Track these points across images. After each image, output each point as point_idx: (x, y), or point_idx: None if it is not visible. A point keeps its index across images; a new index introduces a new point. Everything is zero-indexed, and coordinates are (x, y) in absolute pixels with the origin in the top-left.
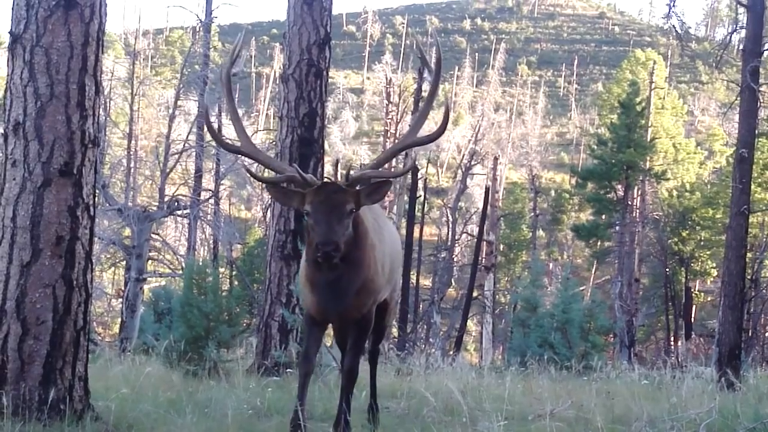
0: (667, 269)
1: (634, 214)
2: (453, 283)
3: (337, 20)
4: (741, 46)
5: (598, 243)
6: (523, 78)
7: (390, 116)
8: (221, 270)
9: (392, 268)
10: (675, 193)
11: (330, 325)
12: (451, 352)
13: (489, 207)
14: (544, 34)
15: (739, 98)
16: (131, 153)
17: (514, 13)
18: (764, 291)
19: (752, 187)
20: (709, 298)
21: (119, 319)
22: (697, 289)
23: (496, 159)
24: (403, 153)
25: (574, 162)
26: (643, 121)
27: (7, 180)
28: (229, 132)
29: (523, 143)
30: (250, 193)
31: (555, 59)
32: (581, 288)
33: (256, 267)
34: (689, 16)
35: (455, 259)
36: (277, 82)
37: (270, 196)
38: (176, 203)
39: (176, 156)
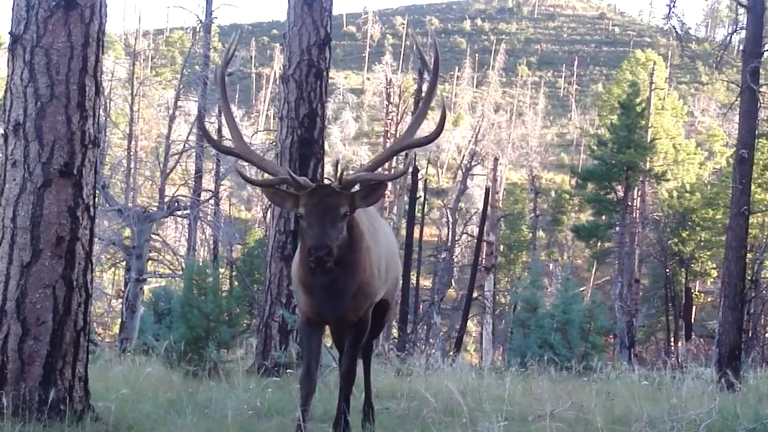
0: (667, 270)
1: (634, 215)
2: (453, 284)
3: (338, 21)
4: (741, 47)
5: (598, 244)
6: (523, 78)
7: (390, 117)
8: (221, 270)
9: (389, 269)
10: (675, 193)
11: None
12: (451, 353)
13: (489, 207)
14: (544, 34)
15: (739, 99)
16: (131, 153)
17: (514, 14)
18: (764, 292)
19: (752, 187)
20: (709, 299)
21: (119, 320)
22: (697, 289)
23: (496, 160)
24: (403, 154)
25: (574, 163)
26: (643, 122)
27: (7, 180)
28: (228, 133)
29: (523, 144)
30: (250, 194)
31: (555, 60)
32: (581, 289)
33: (256, 267)
34: (689, 16)
35: (455, 260)
36: (278, 82)
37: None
38: (176, 204)
39: (176, 156)
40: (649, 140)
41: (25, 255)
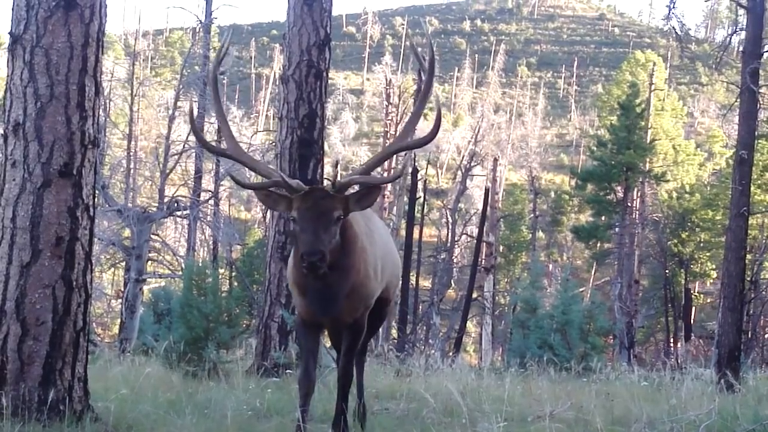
0: (667, 271)
1: (633, 216)
2: (452, 285)
3: (337, 21)
4: (741, 48)
5: (598, 244)
6: (523, 79)
7: (390, 117)
8: (221, 271)
9: (385, 268)
10: (675, 194)
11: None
12: (451, 354)
13: (489, 208)
14: (544, 35)
15: (738, 100)
16: (131, 154)
17: (513, 15)
18: (764, 293)
19: (752, 188)
20: (708, 300)
21: (119, 320)
22: (696, 290)
23: (495, 160)
24: (402, 154)
25: (573, 163)
26: (643, 123)
27: (6, 181)
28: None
29: (523, 144)
30: (249, 195)
31: (555, 61)
32: (581, 289)
33: (255, 268)
34: (689, 17)
35: (455, 261)
36: (277, 83)
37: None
38: (176, 204)
39: (176, 157)
40: (648, 141)
41: (25, 255)
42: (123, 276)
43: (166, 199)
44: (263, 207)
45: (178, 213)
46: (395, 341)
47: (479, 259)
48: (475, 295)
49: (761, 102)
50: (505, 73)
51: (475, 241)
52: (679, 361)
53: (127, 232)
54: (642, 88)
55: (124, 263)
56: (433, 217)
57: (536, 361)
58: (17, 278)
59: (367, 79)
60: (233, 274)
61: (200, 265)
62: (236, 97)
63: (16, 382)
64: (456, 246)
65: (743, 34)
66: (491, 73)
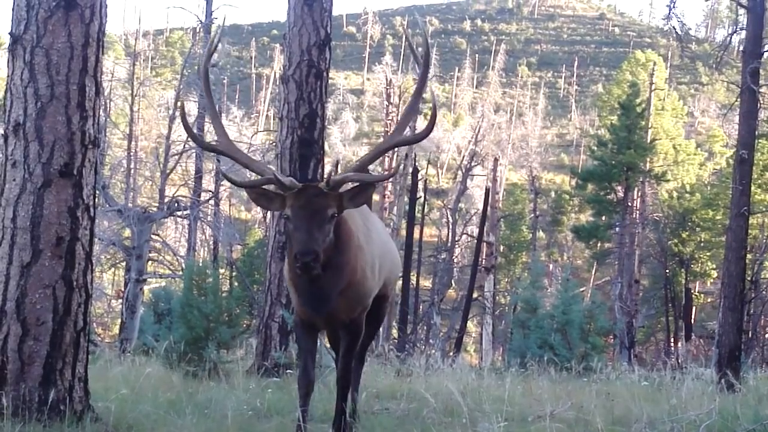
0: (667, 270)
1: (634, 216)
2: (453, 284)
3: (338, 21)
4: (741, 48)
5: (598, 244)
6: (523, 79)
7: (390, 117)
8: (221, 271)
9: (383, 267)
10: (675, 194)
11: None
12: (451, 353)
13: (489, 208)
14: (544, 35)
15: (739, 99)
16: (131, 154)
17: (514, 15)
18: (764, 292)
19: (752, 188)
20: (709, 300)
21: (119, 320)
22: (697, 290)
23: (496, 160)
24: (403, 155)
25: (574, 163)
26: (643, 123)
27: (7, 181)
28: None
29: (523, 144)
30: None
31: (555, 60)
32: (581, 289)
33: (256, 268)
34: (689, 17)
35: (455, 260)
36: (278, 83)
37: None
38: (176, 204)
39: (176, 157)
40: (649, 141)
41: (25, 255)
42: (123, 276)
43: (166, 199)
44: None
45: (179, 213)
46: (396, 341)
47: (480, 259)
48: (475, 295)
49: (761, 102)
50: (506, 72)
51: (476, 240)
52: (679, 361)
53: (127, 232)
54: (642, 87)
55: (124, 263)
56: (434, 216)
57: (537, 361)
58: (18, 278)
59: (368, 79)
60: (234, 274)
61: (201, 265)
62: (236, 97)
63: (16, 382)
64: (456, 246)
65: (743, 34)
66: (491, 73)
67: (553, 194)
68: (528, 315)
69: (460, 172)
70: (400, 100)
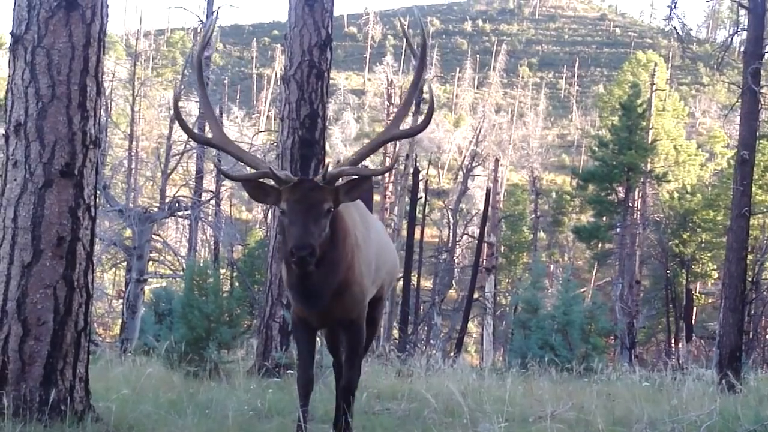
0: (668, 271)
1: (635, 216)
2: (454, 285)
3: (339, 21)
4: (742, 48)
5: (599, 245)
6: (524, 80)
7: (391, 117)
8: (222, 271)
9: (380, 267)
10: (676, 194)
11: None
12: (452, 354)
13: (490, 208)
14: (546, 35)
15: (740, 100)
16: (132, 154)
17: (515, 15)
18: (765, 293)
19: (753, 189)
20: (709, 300)
21: (120, 320)
22: (697, 291)
23: (497, 161)
24: (403, 153)
25: (575, 164)
26: (644, 123)
27: (8, 181)
28: (229, 132)
29: (524, 145)
30: None
31: (556, 61)
32: (582, 290)
33: (256, 268)
34: (690, 18)
35: (456, 261)
36: (279, 83)
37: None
38: (177, 204)
39: (177, 157)
40: (650, 141)
41: (26, 255)
42: (124, 276)
43: (167, 200)
44: (264, 207)
45: (180, 213)
46: (396, 341)
47: (480, 260)
48: (476, 295)
49: (763, 102)
50: (507, 73)
51: (477, 241)
52: (680, 362)
53: (128, 233)
54: (643, 88)
55: (125, 263)
56: (435, 217)
57: (537, 362)
58: (18, 278)
59: (369, 80)
60: (234, 274)
61: (201, 265)
62: (237, 97)
63: (17, 382)
64: (457, 246)
65: (744, 35)
66: (492, 74)
67: (554, 195)
68: (529, 315)
69: (461, 173)
70: (401, 101)
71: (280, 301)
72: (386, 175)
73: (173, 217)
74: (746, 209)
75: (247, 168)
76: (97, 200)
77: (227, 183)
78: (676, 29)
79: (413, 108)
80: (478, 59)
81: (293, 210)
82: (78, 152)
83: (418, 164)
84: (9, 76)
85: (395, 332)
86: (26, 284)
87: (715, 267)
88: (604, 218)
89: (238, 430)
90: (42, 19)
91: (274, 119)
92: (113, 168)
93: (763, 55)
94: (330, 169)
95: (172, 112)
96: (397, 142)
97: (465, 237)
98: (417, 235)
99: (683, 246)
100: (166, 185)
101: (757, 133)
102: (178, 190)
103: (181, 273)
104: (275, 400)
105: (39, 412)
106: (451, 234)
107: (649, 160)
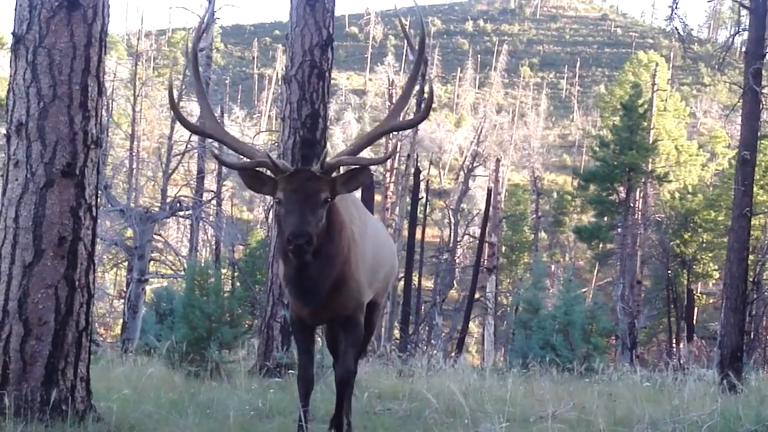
0: (669, 271)
1: (636, 216)
2: (455, 285)
3: (340, 21)
4: (743, 49)
5: (600, 245)
6: (526, 80)
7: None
8: (223, 271)
9: (378, 265)
10: (677, 195)
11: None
12: (453, 354)
13: (491, 209)
14: (547, 35)
15: (741, 100)
16: (133, 154)
17: (516, 15)
18: (766, 293)
19: (754, 189)
20: (711, 301)
21: (121, 320)
22: (698, 291)
23: (498, 161)
24: (407, 154)
25: (576, 164)
26: (646, 123)
27: (9, 180)
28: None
29: (525, 145)
30: (252, 195)
31: (557, 61)
32: (583, 290)
33: (258, 268)
34: (691, 18)
35: (457, 261)
36: (280, 83)
37: (243, 182)
38: (178, 204)
39: (178, 157)
40: (651, 141)
41: (28, 255)
42: (125, 276)
43: (168, 199)
44: (266, 207)
45: (181, 213)
46: (398, 341)
47: (481, 260)
48: (477, 295)
49: (764, 102)
50: (508, 73)
51: (478, 241)
52: (681, 362)
53: (129, 233)
54: (644, 88)
55: (126, 263)
56: (436, 217)
57: (538, 362)
58: (20, 278)
59: (370, 80)
60: (235, 274)
61: (203, 265)
62: (239, 97)
63: (18, 382)
64: (458, 246)
65: (746, 35)
66: (494, 74)
67: (555, 195)
68: (530, 316)
69: (462, 173)
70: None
71: (281, 301)
72: (387, 176)
73: (174, 217)
74: (747, 209)
75: (244, 159)
76: (99, 200)
77: (228, 183)
78: (677, 29)
79: (414, 108)
80: (479, 59)
81: (290, 199)
82: (79, 152)
83: (419, 164)
84: (10, 75)
85: (396, 332)
86: (27, 284)
87: (716, 267)
88: (605, 218)
89: (240, 430)
90: (43, 18)
91: (276, 119)
92: (114, 168)
93: (765, 55)
94: (328, 159)
95: (167, 102)
96: (399, 141)
97: (466, 237)
98: (418, 235)
99: (684, 246)
100: (168, 185)
101: (759, 134)
102: (180, 190)
103: (183, 273)
104: (276, 400)
105: (40, 412)
106: (452, 234)
107: (650, 160)
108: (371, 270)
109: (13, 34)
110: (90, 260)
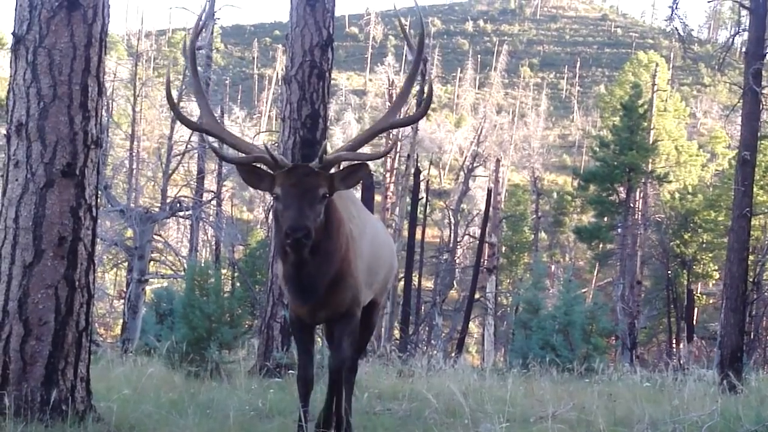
0: (669, 271)
1: (636, 217)
2: (455, 285)
3: (340, 22)
4: (743, 49)
5: (600, 245)
6: (526, 80)
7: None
8: (223, 271)
9: (376, 264)
10: (677, 195)
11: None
12: (453, 354)
13: (491, 209)
14: (547, 36)
15: (741, 101)
16: (133, 154)
17: (516, 15)
18: (766, 294)
19: (754, 189)
20: (711, 301)
21: (121, 320)
22: (698, 291)
23: (498, 161)
24: (407, 154)
25: (576, 164)
26: (646, 124)
27: (9, 181)
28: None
29: (525, 145)
30: (252, 195)
31: (557, 61)
32: (583, 290)
33: (258, 268)
34: (692, 18)
35: (457, 261)
36: (280, 83)
37: (241, 178)
38: (178, 204)
39: (178, 157)
40: (651, 142)
41: (28, 255)
42: (125, 276)
43: (168, 200)
44: (266, 207)
45: (181, 213)
46: (398, 342)
47: (481, 260)
48: (477, 295)
49: (764, 103)
50: (508, 73)
51: (478, 241)
52: (681, 362)
53: (129, 233)
54: (645, 88)
55: (126, 263)
56: (436, 217)
57: (538, 362)
58: (20, 278)
59: (370, 80)
60: (235, 274)
61: (203, 265)
62: (239, 97)
63: (18, 382)
64: (458, 247)
65: (746, 35)
66: (494, 74)
67: (555, 195)
68: (530, 316)
69: (462, 173)
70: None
71: (281, 301)
72: (387, 176)
73: (174, 218)
74: (747, 210)
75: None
76: (99, 200)
77: (228, 183)
78: (677, 30)
79: (414, 108)
80: (479, 59)
81: (288, 194)
82: (79, 152)
83: (419, 164)
84: (10, 76)
85: (396, 332)
86: (27, 284)
87: (716, 267)
88: (605, 218)
89: (240, 430)
90: (44, 19)
91: (276, 119)
92: (114, 168)
93: (765, 55)
94: (326, 155)
95: (165, 96)
96: (399, 141)
97: (466, 237)
98: (418, 235)
99: (684, 246)
100: (168, 185)
101: (759, 134)
102: (180, 190)
103: (183, 273)
104: (276, 400)
105: (40, 412)
106: (452, 234)
107: (650, 160)
108: (370, 269)
109: (14, 34)
110: (90, 260)
